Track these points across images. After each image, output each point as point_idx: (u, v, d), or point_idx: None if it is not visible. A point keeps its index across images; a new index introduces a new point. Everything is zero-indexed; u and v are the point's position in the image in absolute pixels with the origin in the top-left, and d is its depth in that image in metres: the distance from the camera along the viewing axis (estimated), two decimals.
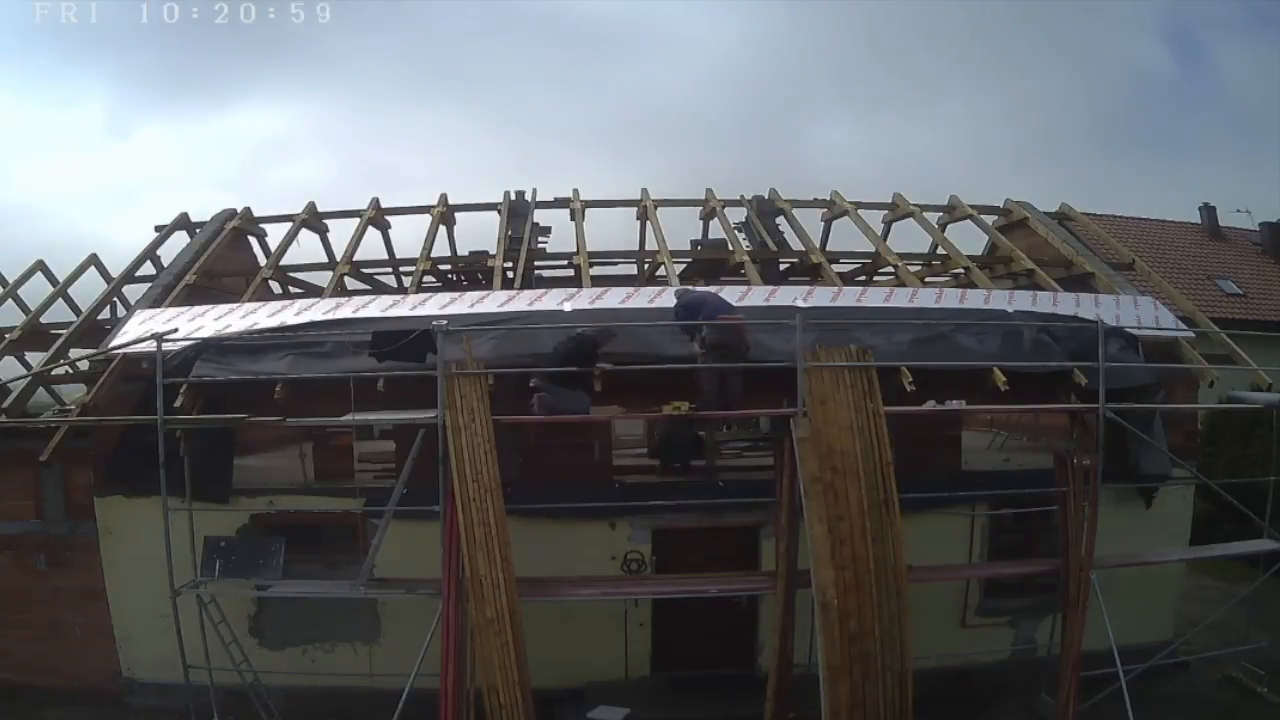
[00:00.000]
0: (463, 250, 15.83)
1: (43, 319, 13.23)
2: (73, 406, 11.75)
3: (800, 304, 10.54)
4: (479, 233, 16.11)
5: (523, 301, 11.22)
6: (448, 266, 15.36)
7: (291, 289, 14.72)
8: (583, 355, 9.01)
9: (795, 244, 15.26)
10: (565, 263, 14.88)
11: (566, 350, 9.01)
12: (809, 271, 14.09)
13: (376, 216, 15.16)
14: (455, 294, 11.81)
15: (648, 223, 15.19)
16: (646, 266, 15.09)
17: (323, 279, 13.92)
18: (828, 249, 15.13)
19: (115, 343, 10.61)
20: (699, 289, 10.80)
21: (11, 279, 14.60)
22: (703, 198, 16.03)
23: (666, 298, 11.26)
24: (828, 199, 16.07)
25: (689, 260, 15.29)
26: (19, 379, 11.76)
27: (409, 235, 15.90)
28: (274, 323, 10.72)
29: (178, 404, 9.21)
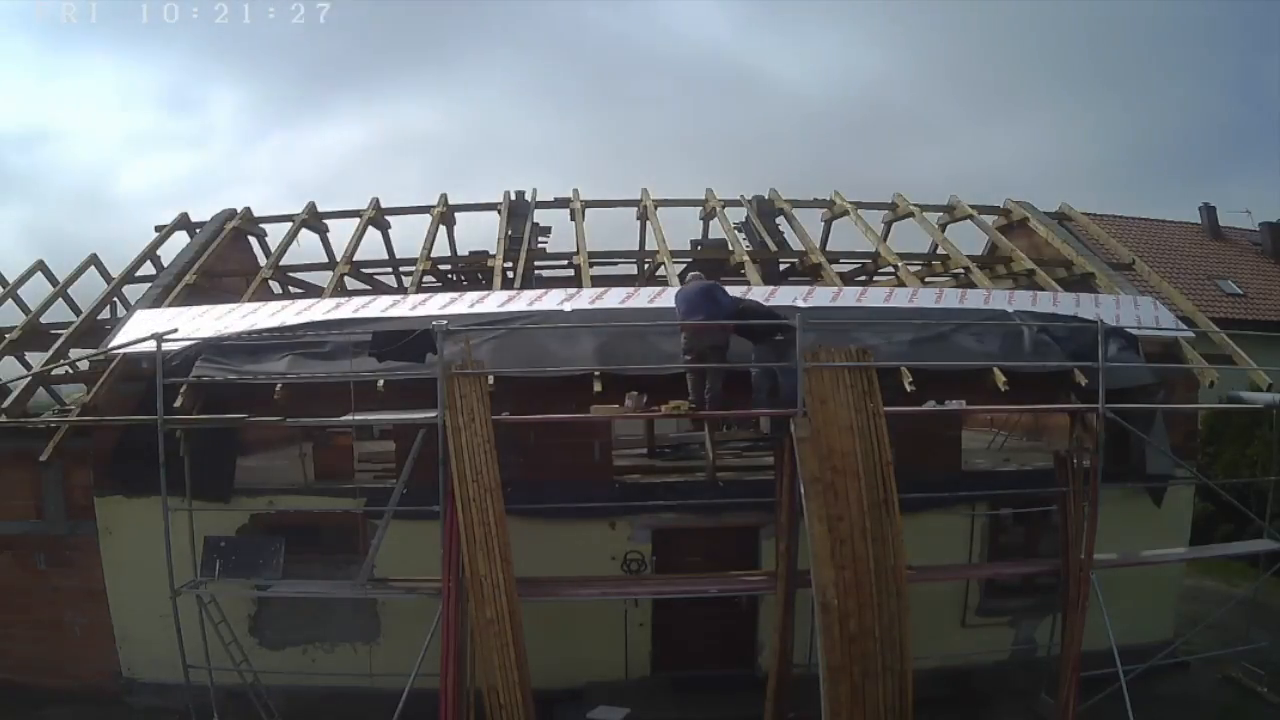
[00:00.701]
0: (463, 250, 15.84)
1: (43, 319, 13.23)
2: (73, 406, 11.75)
3: (800, 304, 10.54)
4: (479, 233, 16.16)
5: (523, 301, 11.23)
6: (448, 266, 15.36)
7: (291, 289, 14.72)
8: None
9: (795, 244, 15.27)
10: (565, 263, 14.88)
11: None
12: (809, 271, 14.09)
13: (376, 216, 15.17)
14: (455, 294, 11.82)
15: (648, 223, 15.19)
16: (646, 266, 15.09)
17: (323, 279, 13.93)
18: (828, 249, 15.14)
19: (115, 343, 10.61)
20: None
21: None
22: (703, 198, 16.04)
23: (666, 298, 11.26)
24: (828, 199, 16.07)
25: (689, 260, 15.29)
26: (19, 379, 11.75)
27: (409, 235, 15.93)
28: (274, 323, 10.72)
29: (178, 404, 9.21)
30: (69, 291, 14.26)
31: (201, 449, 9.49)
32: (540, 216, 15.84)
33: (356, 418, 10.13)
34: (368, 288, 14.65)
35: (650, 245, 15.10)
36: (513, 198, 15.90)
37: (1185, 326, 11.75)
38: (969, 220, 15.45)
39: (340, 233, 15.20)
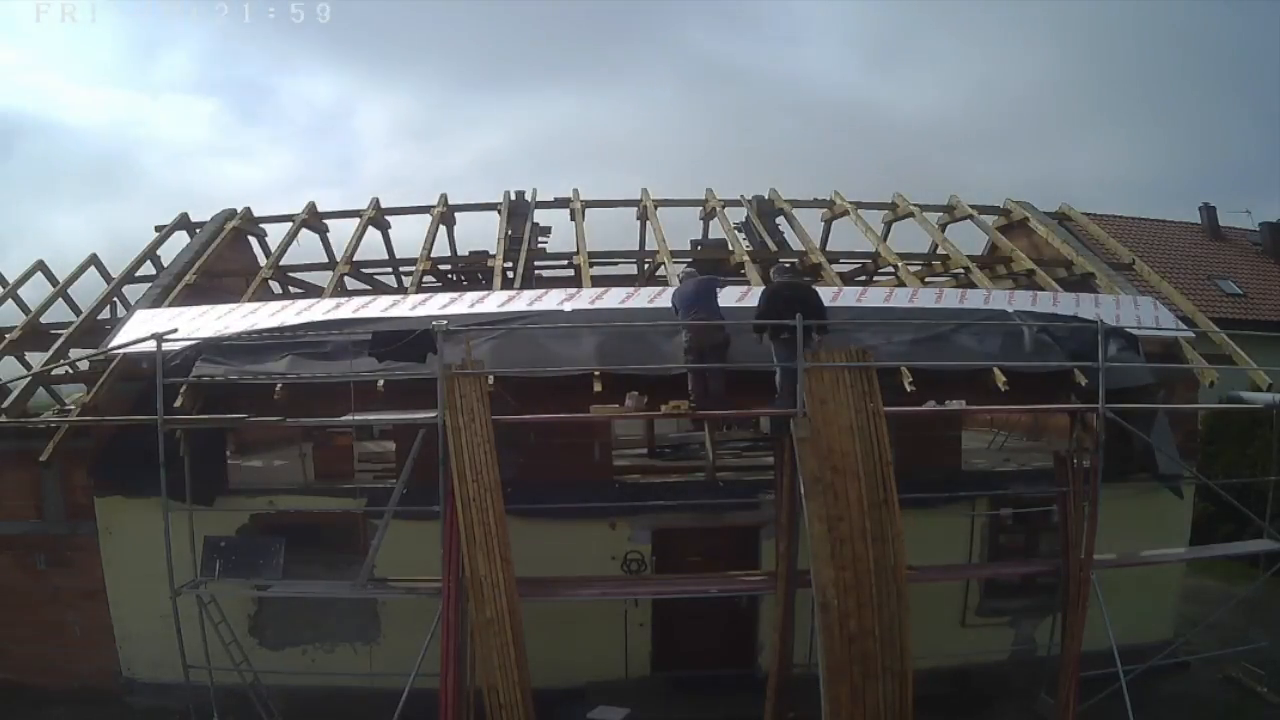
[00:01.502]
0: (463, 250, 15.84)
1: (43, 319, 13.23)
2: (73, 406, 11.76)
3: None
4: (479, 233, 16.16)
5: (523, 301, 11.23)
6: (448, 266, 15.37)
7: (291, 289, 14.73)
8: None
9: (795, 244, 15.27)
10: (565, 263, 14.89)
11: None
12: (809, 271, 14.07)
13: (376, 216, 15.17)
14: (455, 294, 11.83)
15: (648, 223, 15.20)
16: (646, 266, 15.09)
17: (323, 279, 13.93)
18: (828, 249, 15.14)
19: (115, 343, 10.61)
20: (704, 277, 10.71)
21: None
22: (703, 198, 16.04)
23: (666, 298, 11.24)
24: (828, 199, 16.07)
25: (689, 260, 15.28)
26: (19, 379, 11.76)
27: (409, 235, 15.94)
28: (274, 323, 10.72)
29: (177, 404, 9.21)
30: (69, 291, 14.27)
31: (191, 451, 9.45)
32: (540, 216, 15.87)
33: (356, 418, 10.14)
34: (368, 288, 14.66)
35: (650, 245, 15.10)
36: (513, 198, 15.91)
37: (1185, 326, 11.75)
38: (969, 220, 15.45)
39: (340, 233, 15.25)
